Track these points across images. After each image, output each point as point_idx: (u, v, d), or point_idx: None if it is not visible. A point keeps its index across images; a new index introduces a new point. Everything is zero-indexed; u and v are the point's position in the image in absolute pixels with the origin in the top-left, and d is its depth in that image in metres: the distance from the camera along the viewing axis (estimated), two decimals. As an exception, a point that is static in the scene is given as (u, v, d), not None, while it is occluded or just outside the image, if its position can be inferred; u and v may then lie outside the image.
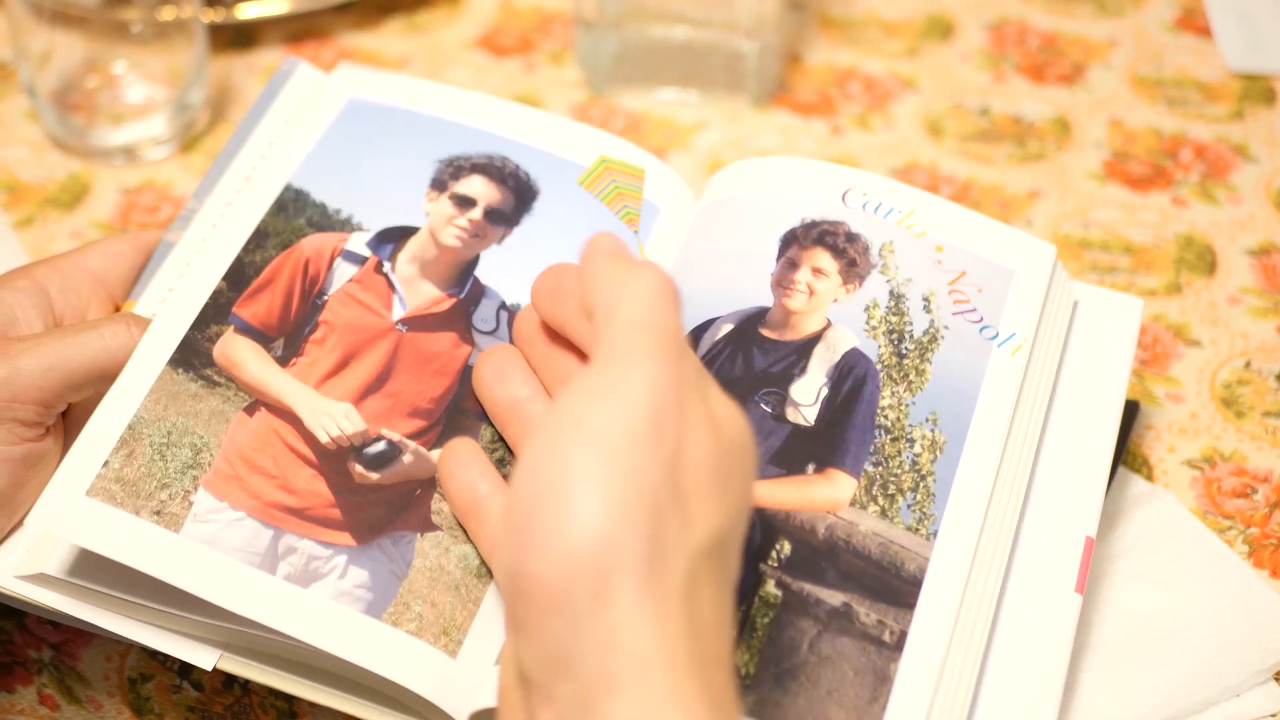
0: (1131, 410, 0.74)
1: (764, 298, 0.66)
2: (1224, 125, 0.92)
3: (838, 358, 0.64)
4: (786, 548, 0.60)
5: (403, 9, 0.99)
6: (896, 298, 0.66)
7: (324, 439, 0.62)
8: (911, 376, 0.64)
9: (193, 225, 0.70)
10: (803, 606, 0.58)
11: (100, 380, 0.61)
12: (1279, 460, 0.74)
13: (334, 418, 0.63)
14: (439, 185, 0.70)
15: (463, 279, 0.67)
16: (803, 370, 0.64)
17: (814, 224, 0.67)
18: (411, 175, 0.70)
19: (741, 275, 0.66)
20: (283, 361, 0.64)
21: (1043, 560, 0.62)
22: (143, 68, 0.88)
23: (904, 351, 0.64)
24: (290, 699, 0.66)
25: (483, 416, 0.64)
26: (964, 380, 0.64)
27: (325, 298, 0.66)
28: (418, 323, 0.66)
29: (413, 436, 0.63)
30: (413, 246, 0.68)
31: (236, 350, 0.64)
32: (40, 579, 0.59)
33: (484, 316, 0.66)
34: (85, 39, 0.87)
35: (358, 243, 0.68)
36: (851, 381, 0.64)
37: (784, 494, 0.61)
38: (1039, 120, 0.92)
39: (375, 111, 0.72)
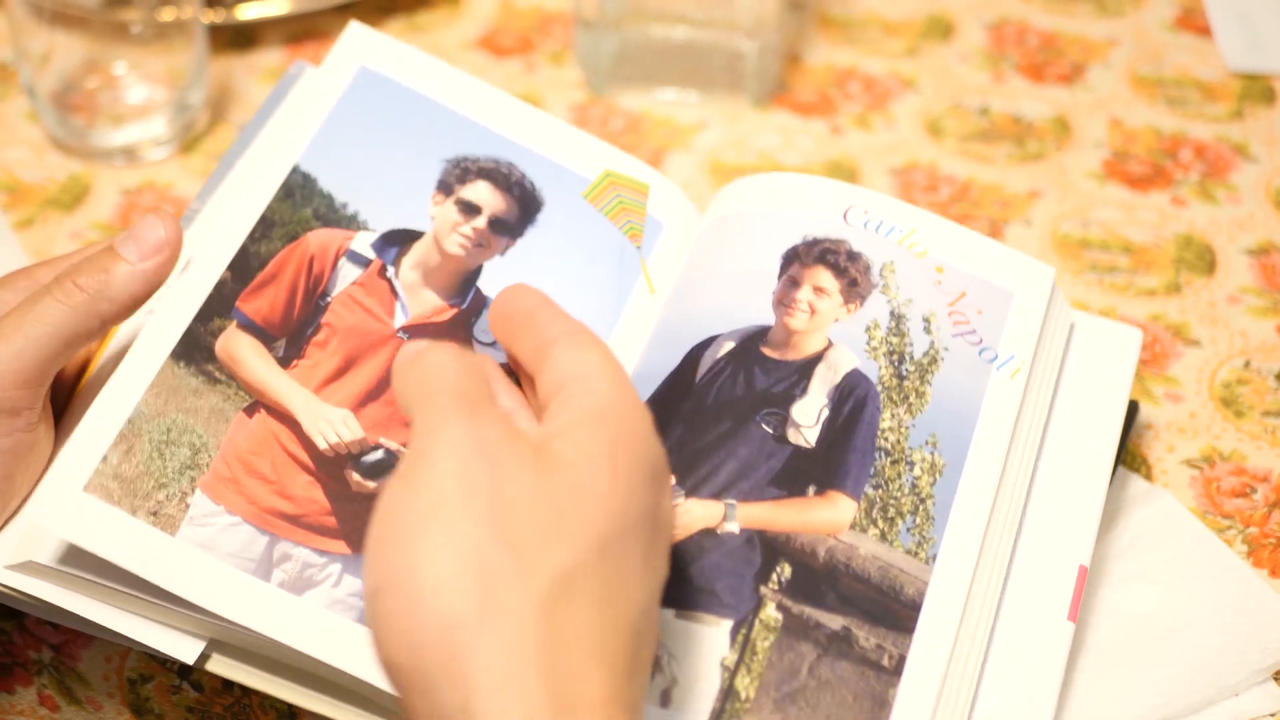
0: (1131, 410, 0.74)
1: (765, 316, 0.66)
2: (1224, 125, 0.92)
3: (839, 379, 0.64)
4: (787, 570, 0.60)
5: (403, 9, 0.99)
6: (897, 318, 0.66)
7: (322, 445, 0.62)
8: (911, 399, 0.64)
9: (194, 226, 0.70)
10: (803, 630, 0.59)
11: (74, 341, 0.60)
12: (1278, 460, 0.74)
13: (332, 424, 0.63)
14: (445, 188, 0.70)
15: (465, 289, 0.67)
16: (804, 391, 0.64)
17: (816, 242, 0.67)
18: (418, 172, 0.70)
19: (743, 293, 0.67)
20: (284, 362, 0.64)
21: (1036, 588, 0.62)
22: (143, 68, 0.88)
23: (904, 373, 0.65)
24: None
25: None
26: (963, 403, 0.64)
27: (329, 299, 0.66)
28: (419, 332, 0.66)
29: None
30: (417, 252, 0.68)
31: (238, 347, 0.64)
32: (30, 568, 0.59)
33: (485, 328, 0.67)
34: (85, 40, 0.87)
35: (363, 243, 0.67)
36: (852, 403, 0.64)
37: (785, 516, 0.61)
38: (1039, 120, 0.92)
39: (385, 88, 0.71)
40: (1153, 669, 0.65)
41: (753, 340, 0.65)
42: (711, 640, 0.58)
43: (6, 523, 0.61)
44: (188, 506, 0.59)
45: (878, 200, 0.69)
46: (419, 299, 0.67)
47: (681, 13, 0.91)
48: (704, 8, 0.90)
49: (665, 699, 0.57)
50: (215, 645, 0.60)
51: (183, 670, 0.67)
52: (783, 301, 0.66)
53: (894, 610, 0.59)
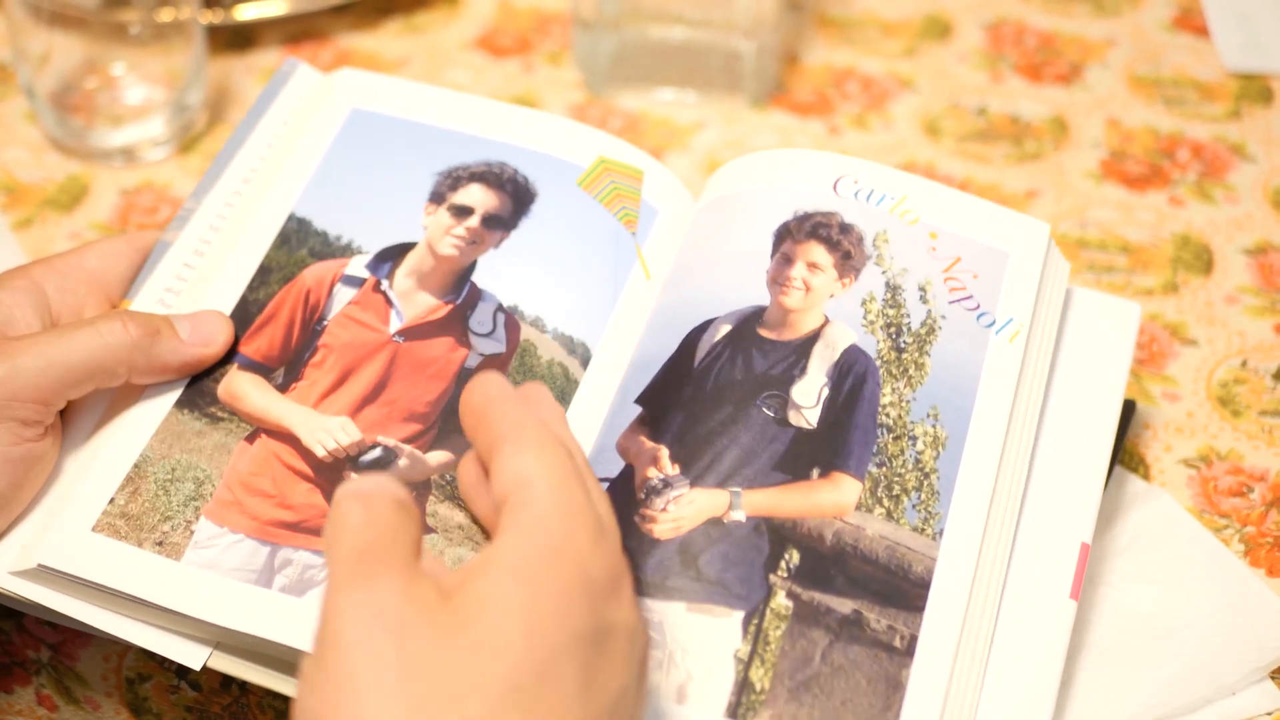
0: (1128, 409, 0.74)
1: (760, 296, 0.66)
2: (1221, 125, 0.92)
3: (837, 355, 0.64)
4: (795, 557, 0.60)
5: (401, 10, 0.99)
6: (893, 289, 0.66)
7: (320, 453, 0.63)
8: (911, 371, 0.64)
9: (190, 225, 0.70)
10: (814, 616, 0.59)
11: (98, 377, 0.62)
12: (1275, 459, 0.74)
13: (330, 432, 0.63)
14: (437, 198, 0.70)
15: (459, 286, 0.68)
16: (803, 371, 0.64)
17: (807, 216, 0.67)
18: (410, 190, 0.70)
19: (737, 274, 0.66)
20: (283, 388, 0.65)
21: (1039, 566, 0.62)
22: (141, 69, 0.88)
23: (902, 345, 0.64)
24: (288, 699, 0.66)
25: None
26: (963, 372, 0.64)
27: (325, 323, 0.66)
28: (414, 331, 0.66)
29: (409, 440, 0.63)
30: (410, 260, 0.68)
31: (239, 385, 0.65)
32: (35, 574, 0.59)
33: (480, 319, 0.67)
34: (84, 40, 0.87)
35: (357, 265, 0.68)
36: (852, 380, 0.64)
37: (790, 501, 0.61)
38: (1036, 120, 0.92)
39: (377, 124, 0.73)
40: (1151, 668, 0.65)
41: (749, 322, 0.65)
42: (724, 632, 0.58)
43: (11, 528, 0.61)
44: (192, 533, 0.60)
45: (867, 168, 0.69)
46: (414, 302, 0.67)
47: (679, 13, 0.91)
48: (702, 8, 0.90)
49: (681, 695, 0.57)
50: (219, 645, 0.60)
51: (181, 670, 0.67)
52: (777, 280, 0.66)
53: (903, 590, 0.59)
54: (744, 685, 0.57)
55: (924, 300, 0.66)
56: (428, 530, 0.61)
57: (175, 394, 0.64)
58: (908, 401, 0.63)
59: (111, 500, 0.61)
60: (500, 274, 0.68)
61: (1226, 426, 0.76)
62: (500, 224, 0.69)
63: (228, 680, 0.67)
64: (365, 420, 0.63)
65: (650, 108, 0.93)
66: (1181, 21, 0.98)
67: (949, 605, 0.59)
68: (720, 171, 0.71)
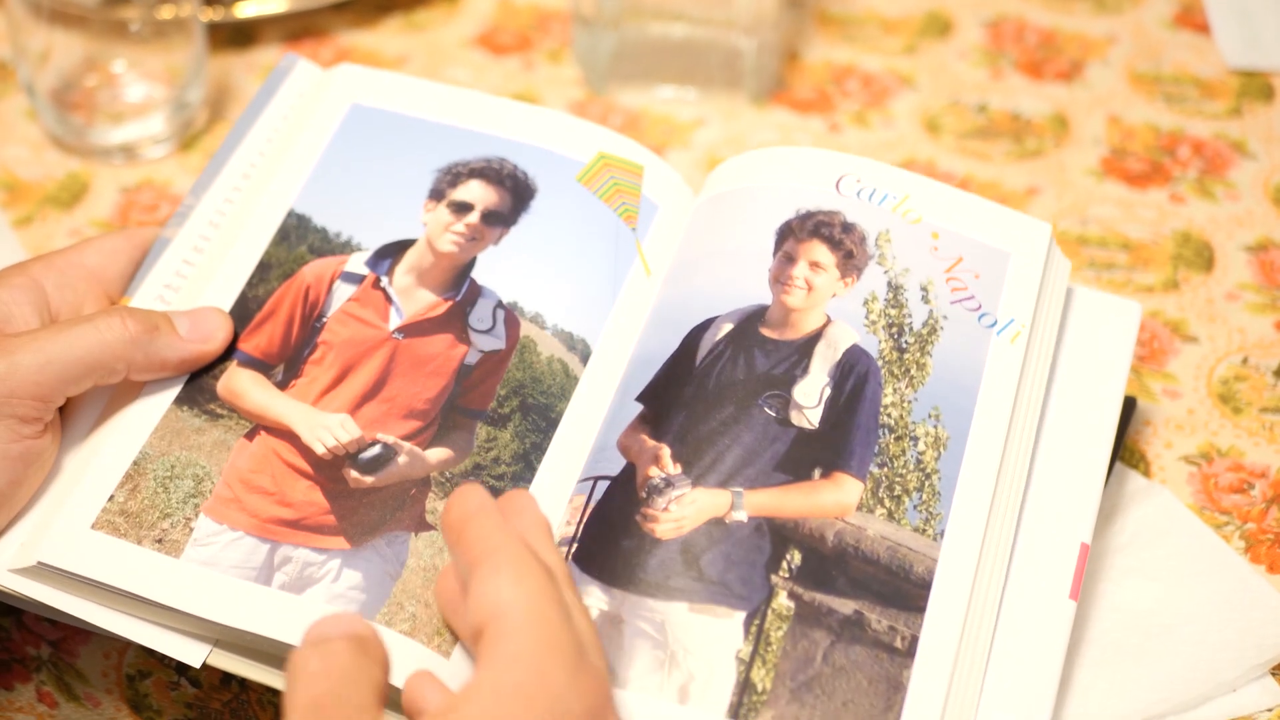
0: (1129, 406, 0.74)
1: (762, 295, 0.66)
2: (1222, 122, 0.92)
3: (839, 356, 0.64)
4: (796, 557, 0.60)
5: (401, 7, 0.99)
6: (895, 289, 0.66)
7: (320, 450, 0.62)
8: (913, 371, 0.64)
9: (189, 221, 0.70)
10: (815, 617, 0.59)
11: (97, 373, 0.61)
12: (1276, 456, 0.74)
13: (330, 429, 0.63)
14: (437, 195, 0.70)
15: (459, 282, 0.68)
16: (805, 370, 0.64)
17: (809, 215, 0.67)
18: (410, 186, 0.70)
19: (739, 272, 0.66)
20: (282, 385, 0.65)
21: (1039, 566, 0.62)
22: (142, 66, 0.88)
23: (904, 345, 0.64)
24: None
25: (477, 415, 0.64)
26: (964, 372, 0.64)
27: (324, 320, 0.66)
28: (414, 329, 0.66)
29: (408, 437, 0.63)
30: (410, 257, 0.68)
31: (239, 382, 0.65)
32: (34, 571, 0.59)
33: (480, 316, 0.67)
34: (84, 38, 0.87)
35: (356, 263, 0.68)
36: (854, 380, 0.63)
37: (792, 501, 0.61)
38: (1037, 117, 0.92)
39: (376, 119, 0.72)
40: (1151, 665, 0.65)
41: (751, 321, 0.65)
42: (725, 633, 0.58)
43: (10, 526, 0.61)
44: (191, 530, 0.60)
45: (870, 167, 0.69)
46: (413, 299, 0.67)
47: (680, 10, 0.91)
48: (702, 5, 0.90)
49: (683, 695, 0.57)
50: (219, 643, 0.60)
51: (181, 666, 0.67)
52: (779, 279, 0.66)
53: (904, 590, 0.59)
54: (745, 686, 0.57)
55: (926, 300, 0.65)
56: (426, 528, 0.61)
57: (174, 391, 0.64)
58: (909, 402, 0.63)
59: (111, 497, 0.61)
60: (500, 270, 0.68)
61: (1227, 423, 0.76)
62: (500, 220, 0.69)
63: (228, 677, 0.67)
64: (365, 417, 0.63)
65: (650, 105, 0.93)
66: (1182, 19, 0.98)
67: (950, 606, 0.59)
68: (721, 167, 0.71)
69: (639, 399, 0.64)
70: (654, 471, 0.61)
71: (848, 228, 0.67)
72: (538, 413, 0.65)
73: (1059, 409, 0.66)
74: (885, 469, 0.61)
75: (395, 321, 0.66)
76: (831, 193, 0.68)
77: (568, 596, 0.53)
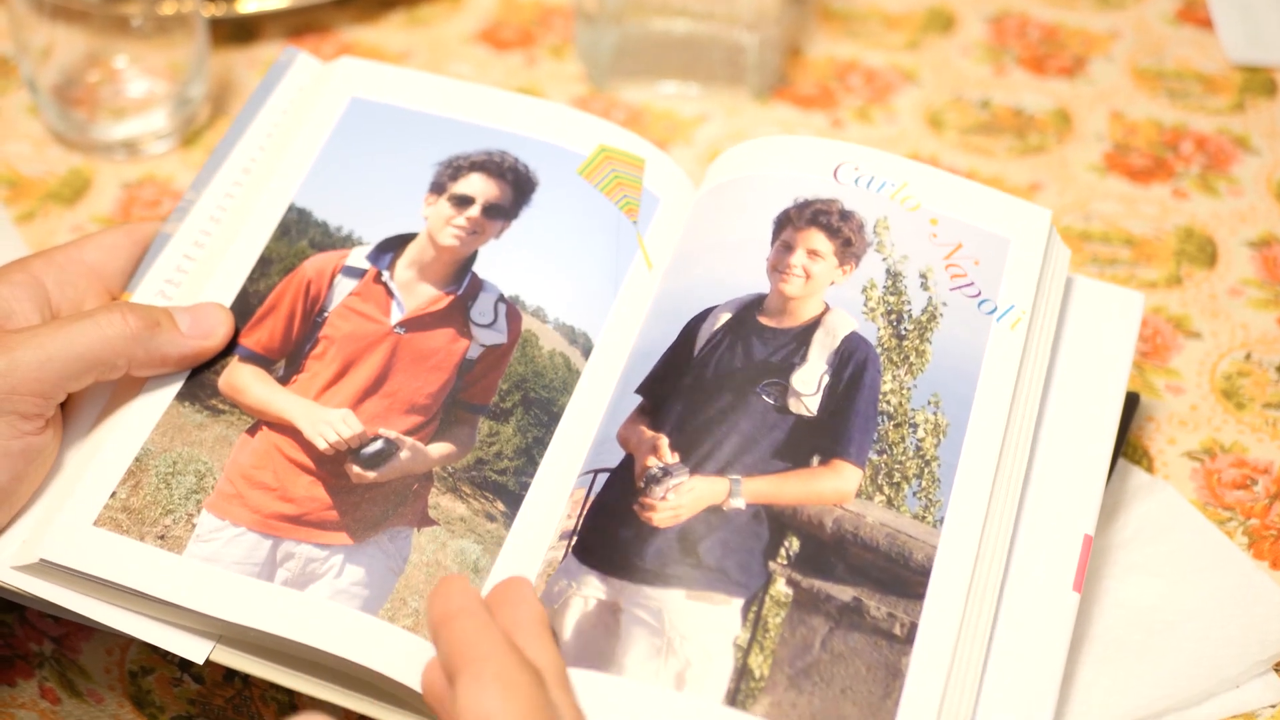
0: (1132, 402, 0.74)
1: (761, 284, 0.66)
2: (1225, 117, 0.91)
3: (837, 343, 0.64)
4: (795, 544, 0.60)
5: (404, 3, 0.99)
6: (893, 276, 0.66)
7: (322, 446, 0.62)
8: (912, 358, 0.64)
9: (190, 216, 0.70)
10: (813, 604, 0.58)
11: (98, 369, 0.61)
12: (1279, 452, 0.74)
13: (332, 424, 0.63)
14: (438, 188, 0.70)
15: (460, 276, 0.67)
16: (803, 358, 0.64)
17: (807, 203, 0.67)
18: (411, 180, 0.70)
19: (737, 262, 0.66)
20: (284, 380, 0.64)
21: (1041, 558, 0.62)
22: (144, 62, 0.88)
23: (903, 332, 0.64)
24: (291, 691, 0.66)
25: (479, 409, 0.64)
26: (964, 359, 0.64)
27: (325, 314, 0.66)
28: (415, 323, 0.66)
29: (410, 432, 0.63)
30: (411, 251, 0.68)
31: (240, 378, 0.65)
32: (37, 568, 0.59)
33: (482, 310, 0.67)
34: (86, 34, 0.87)
35: (357, 257, 0.68)
36: (853, 367, 0.63)
37: (790, 488, 0.61)
38: (1040, 113, 0.92)
39: (377, 113, 0.72)
40: (1154, 661, 0.65)
41: (749, 310, 0.65)
42: (723, 620, 0.58)
43: (12, 522, 0.61)
44: (194, 526, 0.60)
45: (868, 155, 0.69)
46: (415, 293, 0.67)
47: (682, 6, 0.91)
48: (704, 1, 0.90)
49: (680, 682, 0.56)
50: (222, 639, 0.60)
51: (184, 662, 0.67)
52: (777, 268, 0.66)
53: (903, 577, 0.59)
54: (743, 672, 0.57)
55: (925, 287, 0.65)
56: (429, 523, 0.61)
57: (176, 386, 0.64)
58: (908, 389, 0.63)
59: (113, 494, 0.60)
60: (501, 264, 0.68)
61: (1230, 419, 0.76)
62: (501, 213, 0.69)
63: (231, 673, 0.67)
64: (367, 412, 0.63)
65: (653, 101, 0.93)
66: (1185, 14, 0.98)
67: (949, 593, 0.58)
68: (721, 158, 0.71)
69: (638, 390, 0.64)
70: (652, 461, 0.61)
71: (845, 215, 0.67)
72: (540, 407, 0.65)
73: (1062, 399, 0.66)
74: (884, 456, 0.61)
75: (397, 316, 0.66)
76: (829, 181, 0.68)
77: (557, 697, 0.52)
